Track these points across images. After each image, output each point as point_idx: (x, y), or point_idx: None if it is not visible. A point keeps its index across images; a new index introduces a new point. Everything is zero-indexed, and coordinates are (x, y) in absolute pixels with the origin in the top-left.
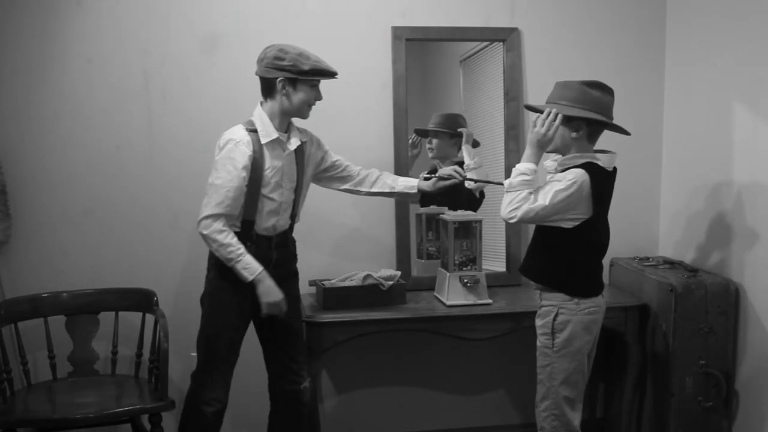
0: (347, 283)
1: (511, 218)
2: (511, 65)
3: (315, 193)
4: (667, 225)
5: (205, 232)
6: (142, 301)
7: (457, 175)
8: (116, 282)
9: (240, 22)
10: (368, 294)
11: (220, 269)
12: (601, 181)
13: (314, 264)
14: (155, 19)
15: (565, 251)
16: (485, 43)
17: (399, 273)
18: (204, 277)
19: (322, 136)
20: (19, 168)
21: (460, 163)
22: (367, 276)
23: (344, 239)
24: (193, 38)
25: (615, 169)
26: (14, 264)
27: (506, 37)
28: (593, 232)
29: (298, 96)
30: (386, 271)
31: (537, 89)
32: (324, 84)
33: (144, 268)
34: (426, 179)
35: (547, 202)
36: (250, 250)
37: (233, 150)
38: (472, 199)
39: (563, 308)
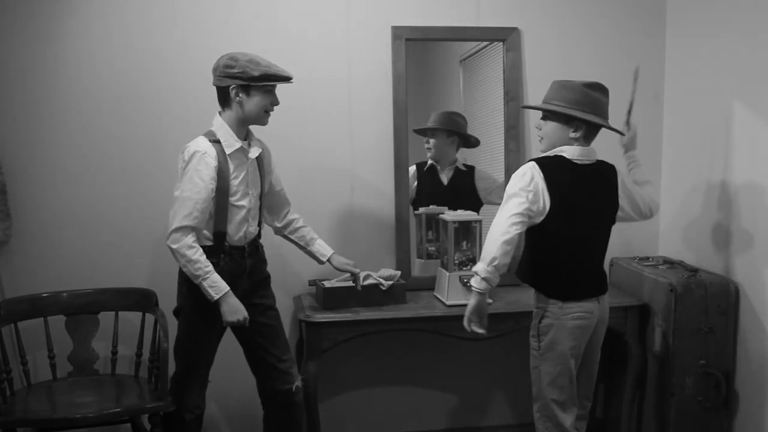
0: (347, 283)
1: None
2: (511, 65)
3: (314, 193)
4: (667, 225)
5: (174, 246)
6: (142, 301)
7: (356, 280)
8: (116, 282)
9: (238, 22)
10: (368, 294)
11: (192, 283)
12: (557, 171)
13: (314, 264)
14: (160, 19)
15: (540, 249)
16: (485, 43)
17: (399, 273)
18: None
19: (322, 136)
20: (19, 168)
21: (458, 168)
22: (367, 276)
23: (344, 239)
24: (198, 39)
25: (597, 163)
26: (14, 264)
27: (506, 37)
28: (561, 228)
29: (252, 102)
30: (386, 271)
31: (537, 89)
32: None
33: (144, 268)
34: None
35: (507, 206)
36: (224, 262)
37: (200, 162)
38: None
39: (548, 311)
